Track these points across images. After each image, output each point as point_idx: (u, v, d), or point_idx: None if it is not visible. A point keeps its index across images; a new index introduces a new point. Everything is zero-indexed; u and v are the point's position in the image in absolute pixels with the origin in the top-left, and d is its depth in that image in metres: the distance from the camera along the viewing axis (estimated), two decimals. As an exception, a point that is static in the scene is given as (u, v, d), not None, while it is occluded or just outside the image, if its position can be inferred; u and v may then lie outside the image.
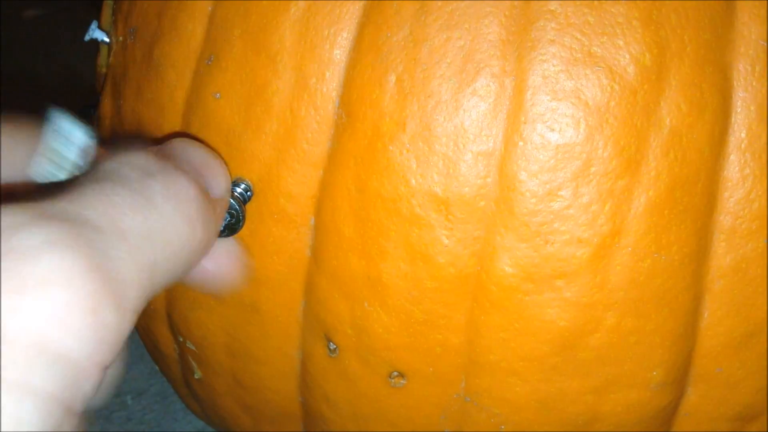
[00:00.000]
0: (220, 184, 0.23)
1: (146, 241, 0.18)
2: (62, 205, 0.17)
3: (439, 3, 0.25)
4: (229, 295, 0.29)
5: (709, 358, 0.27)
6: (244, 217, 0.26)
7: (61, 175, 0.21)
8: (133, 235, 0.18)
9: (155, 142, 0.24)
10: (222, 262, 0.25)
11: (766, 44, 0.25)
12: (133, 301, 0.17)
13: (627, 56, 0.24)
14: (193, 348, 0.32)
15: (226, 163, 0.24)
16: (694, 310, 0.26)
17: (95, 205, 0.18)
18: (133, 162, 0.20)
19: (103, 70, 0.34)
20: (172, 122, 0.29)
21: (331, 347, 0.28)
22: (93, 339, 0.16)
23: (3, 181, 0.21)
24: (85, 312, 0.16)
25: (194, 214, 0.20)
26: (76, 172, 0.21)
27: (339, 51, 0.26)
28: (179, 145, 0.23)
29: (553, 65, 0.24)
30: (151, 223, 0.18)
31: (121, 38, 0.32)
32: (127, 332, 0.17)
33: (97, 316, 0.16)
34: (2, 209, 0.17)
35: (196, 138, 0.27)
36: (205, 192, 0.21)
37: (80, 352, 0.16)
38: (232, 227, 0.26)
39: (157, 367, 0.41)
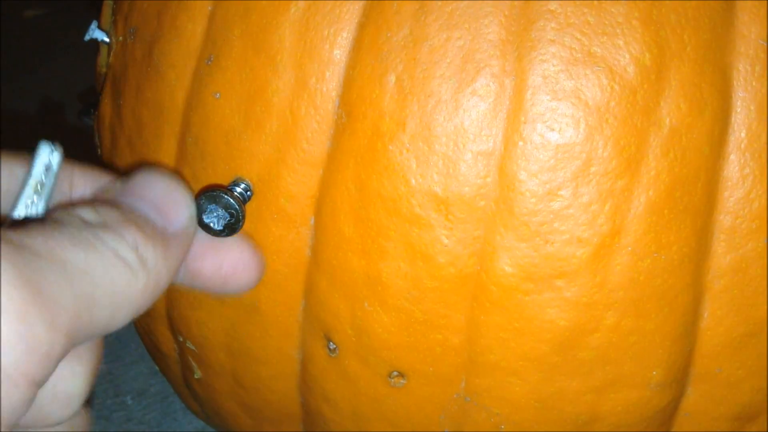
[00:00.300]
0: (180, 217, 0.23)
1: (85, 275, 0.19)
2: (5, 231, 0.18)
3: (439, 3, 0.25)
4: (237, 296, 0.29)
5: (709, 357, 0.27)
6: (243, 216, 0.26)
7: (41, 205, 0.22)
8: (72, 266, 0.19)
9: (124, 173, 0.25)
10: (235, 264, 0.26)
11: (765, 44, 0.25)
12: (67, 324, 0.18)
13: (627, 56, 0.24)
14: (193, 348, 0.32)
15: (190, 189, 0.25)
16: (694, 309, 0.26)
17: (35, 236, 0.18)
18: (77, 212, 0.21)
19: (103, 70, 0.34)
20: (171, 122, 0.29)
21: (331, 347, 0.28)
22: (21, 347, 0.17)
23: None
24: (13, 318, 0.17)
25: (135, 262, 0.21)
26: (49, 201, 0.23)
27: (339, 51, 0.26)
28: (140, 180, 0.24)
29: (553, 65, 0.24)
30: (91, 261, 0.19)
31: (121, 38, 0.32)
32: (59, 354, 0.18)
33: (26, 325, 0.17)
34: None
35: (161, 167, 0.28)
36: (155, 236, 0.22)
37: (7, 357, 0.17)
38: (231, 227, 0.26)
39: (157, 367, 0.41)
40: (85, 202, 0.22)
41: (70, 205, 0.22)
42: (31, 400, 0.17)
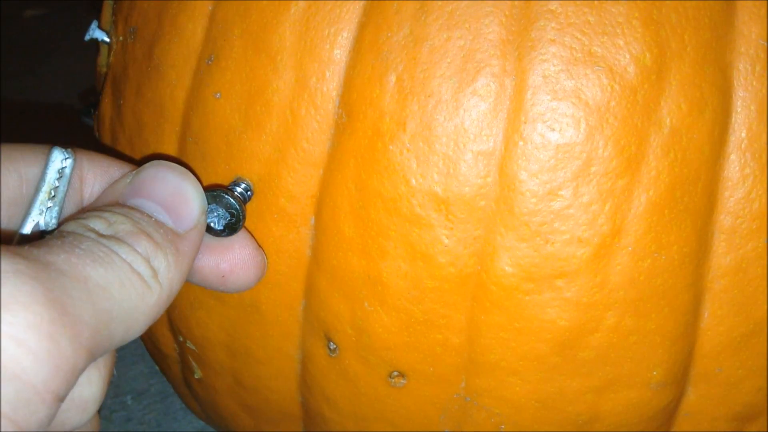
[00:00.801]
0: (190, 214, 0.24)
1: (105, 291, 0.19)
2: (28, 248, 0.19)
3: (440, 2, 0.25)
4: (233, 295, 0.29)
5: (709, 357, 0.27)
6: (244, 216, 0.26)
7: (55, 210, 0.23)
8: (93, 283, 0.19)
9: (138, 162, 0.25)
10: (234, 263, 0.26)
11: (766, 44, 0.25)
12: (89, 340, 0.18)
13: (627, 56, 0.24)
14: (194, 348, 0.32)
15: (201, 180, 0.25)
16: (694, 309, 0.26)
17: (58, 252, 0.19)
18: (90, 225, 0.21)
19: (103, 70, 0.34)
20: (172, 122, 0.29)
21: (331, 347, 0.28)
22: (49, 364, 0.17)
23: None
24: (43, 336, 0.17)
25: (149, 275, 0.21)
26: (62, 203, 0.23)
27: (339, 50, 0.26)
28: (148, 176, 0.24)
29: (554, 65, 0.24)
30: (109, 277, 0.20)
31: (121, 38, 0.32)
32: (82, 369, 0.18)
33: (54, 342, 0.17)
34: None
35: (171, 158, 0.28)
36: (165, 243, 0.22)
37: (36, 374, 0.17)
38: (232, 227, 0.26)
39: (157, 367, 0.41)
40: (96, 209, 0.22)
41: (82, 212, 0.22)
42: (55, 414, 0.18)
